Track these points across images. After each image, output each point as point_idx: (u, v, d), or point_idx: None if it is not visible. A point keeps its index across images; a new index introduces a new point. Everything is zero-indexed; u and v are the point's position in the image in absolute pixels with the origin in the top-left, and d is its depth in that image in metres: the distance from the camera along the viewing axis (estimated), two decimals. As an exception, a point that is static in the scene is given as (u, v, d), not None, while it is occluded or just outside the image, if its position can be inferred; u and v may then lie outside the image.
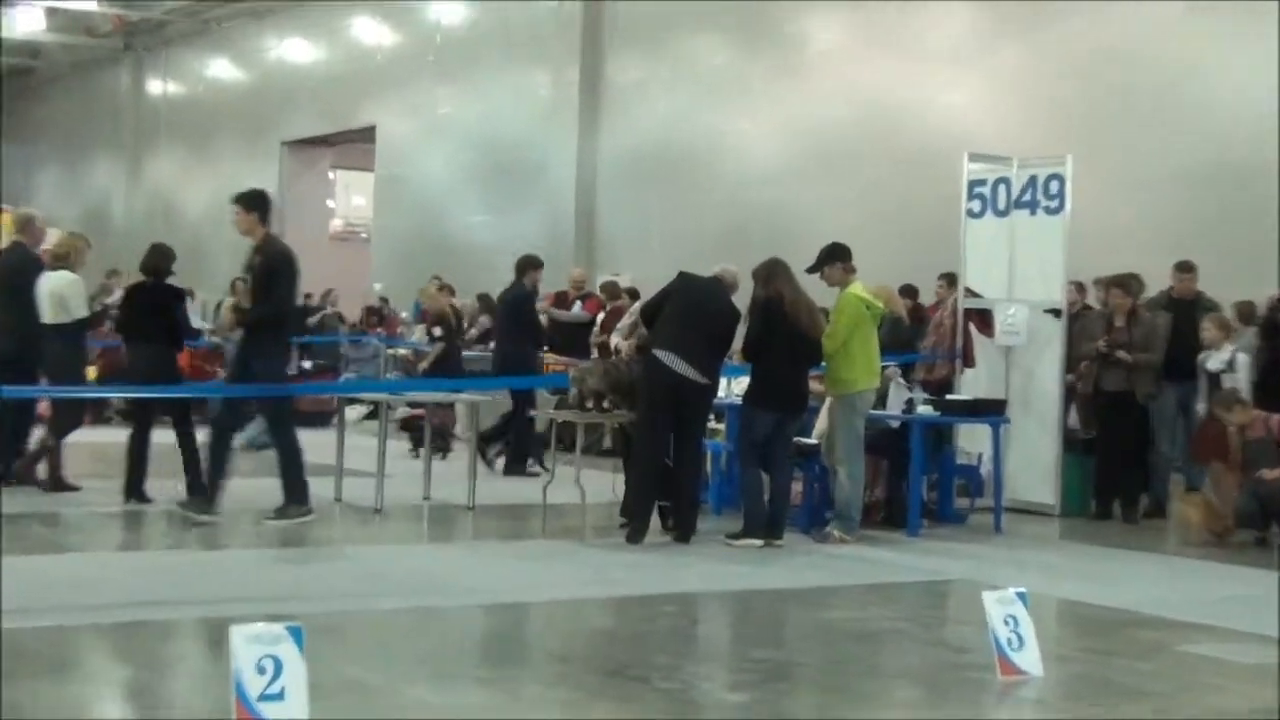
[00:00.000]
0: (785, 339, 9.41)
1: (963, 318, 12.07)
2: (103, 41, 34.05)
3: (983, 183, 12.27)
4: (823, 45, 18.33)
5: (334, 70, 27.83)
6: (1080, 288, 12.78)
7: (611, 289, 16.53)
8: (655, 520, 9.65)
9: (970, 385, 12.03)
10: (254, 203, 9.55)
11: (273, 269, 9.41)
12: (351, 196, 36.39)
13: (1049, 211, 11.90)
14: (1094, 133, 14.82)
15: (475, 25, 23.98)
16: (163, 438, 10.53)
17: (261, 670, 4.42)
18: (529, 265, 13.38)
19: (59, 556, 8.33)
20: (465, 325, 19.52)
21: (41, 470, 10.86)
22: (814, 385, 10.20)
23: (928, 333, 12.50)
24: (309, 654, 4.54)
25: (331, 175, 31.74)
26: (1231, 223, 14.12)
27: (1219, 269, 12.54)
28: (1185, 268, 12.07)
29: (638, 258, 20.19)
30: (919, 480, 10.49)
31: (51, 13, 32.80)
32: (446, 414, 16.34)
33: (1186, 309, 11.81)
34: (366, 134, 26.86)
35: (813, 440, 10.45)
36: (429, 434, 11.63)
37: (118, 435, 11.56)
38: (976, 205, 12.27)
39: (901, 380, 10.95)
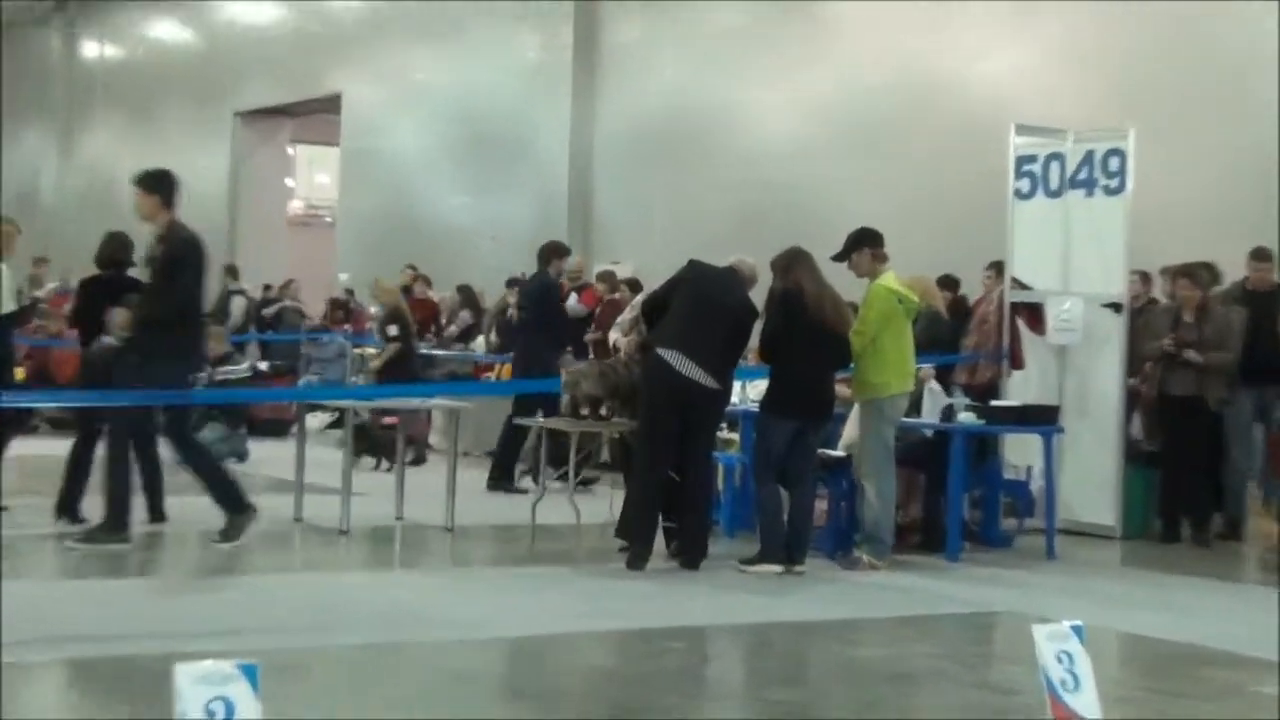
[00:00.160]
0: (807, 336, 9.41)
1: (1009, 313, 12.07)
2: (30, -2, 34.10)
3: (1032, 159, 12.27)
4: (850, 4, 18.34)
5: (294, 31, 27.85)
6: (1144, 278, 12.78)
7: (609, 280, 16.55)
8: (659, 543, 9.66)
9: (1018, 389, 12.03)
10: (156, 184, 9.52)
11: (176, 258, 9.34)
12: (314, 174, 36.43)
13: (1108, 192, 11.90)
14: (1159, 101, 14.81)
15: (455, -20, 23.99)
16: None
17: (211, 714, 4.42)
18: (553, 252, 13.36)
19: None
20: (444, 322, 19.57)
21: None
22: (840, 389, 10.20)
23: (970, 330, 12.51)
24: (265, 695, 4.54)
25: (291, 150, 31.75)
26: (1316, 205, 14.12)
27: (1302, 257, 12.54)
28: (1262, 256, 12.06)
29: (639, 245, 20.19)
30: (959, 498, 10.49)
31: (-29, -35, 32.88)
32: (422, 423, 16.36)
33: (1264, 302, 11.80)
34: (330, 103, 26.85)
35: (839, 452, 10.45)
36: (402, 445, 11.62)
37: (47, 447, 11.55)
38: (1025, 185, 12.27)
39: (936, 384, 10.94)
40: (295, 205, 33.97)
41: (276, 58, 28.20)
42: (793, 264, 9.60)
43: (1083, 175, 12.07)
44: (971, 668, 7.27)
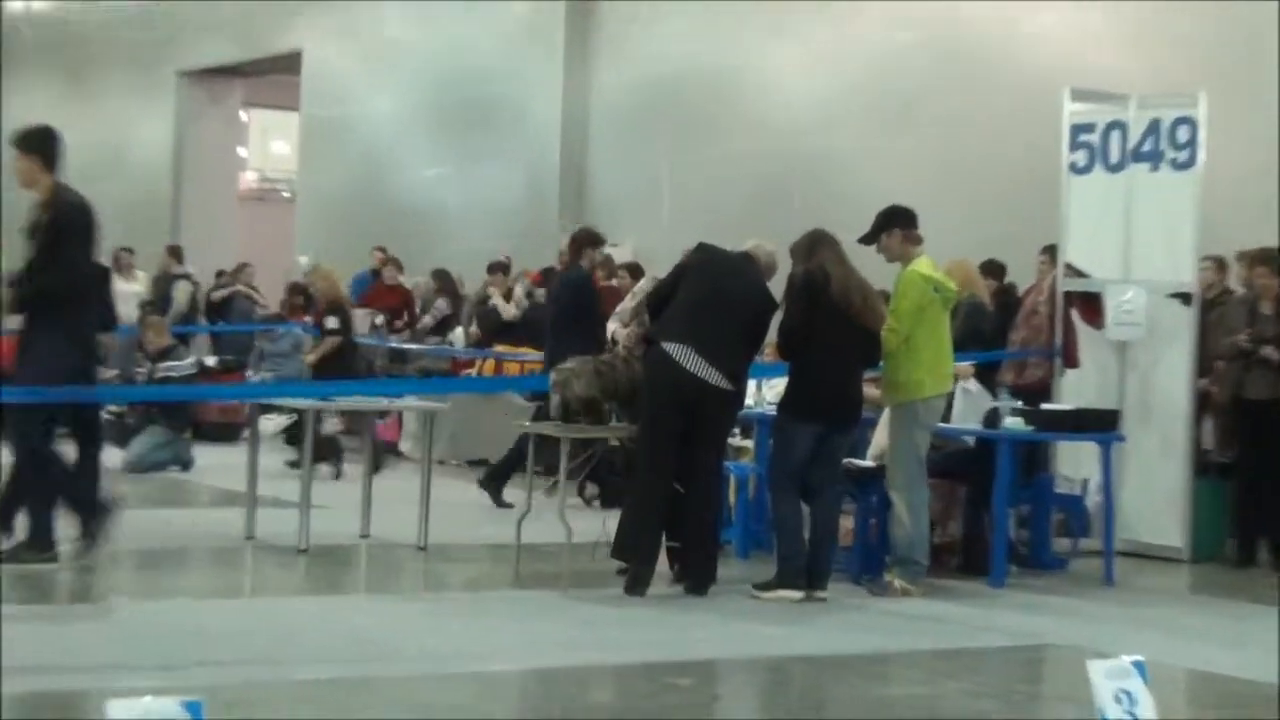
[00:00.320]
0: (832, 329, 9.40)
1: (1063, 303, 12.06)
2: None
3: (1089, 128, 12.26)
4: (882, -51, 18.32)
5: (248, -20, 27.84)
6: (1218, 265, 12.77)
7: (606, 264, 16.52)
8: (662, 565, 9.64)
9: (1073, 391, 12.02)
10: (35, 144, 9.46)
11: (61, 227, 9.27)
12: (269, 143, 36.39)
13: (1176, 166, 11.89)
14: (1234, 62, 14.78)
15: (431, -78, 23.99)
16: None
17: (148, 757, 4.41)
18: (587, 241, 13.39)
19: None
20: (418, 311, 19.57)
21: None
22: (869, 390, 10.19)
23: (1018, 323, 12.50)
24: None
25: (244, 116, 31.73)
26: None
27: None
28: (1353, 240, 12.07)
29: (640, 225, 20.18)
30: (1005, 514, 10.49)
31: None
32: (386, 426, 16.35)
33: (1354, 293, 11.81)
34: (289, 62, 26.84)
35: (867, 462, 10.44)
36: (369, 451, 11.62)
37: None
38: (1081, 157, 12.27)
39: (975, 384, 10.91)
40: (248, 178, 33.95)
41: (227, 10, 28.18)
42: (815, 247, 9.59)
43: (1147, 147, 12.05)
44: (1018, 707, 7.27)
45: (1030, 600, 9.90)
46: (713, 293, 9.47)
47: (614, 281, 16.09)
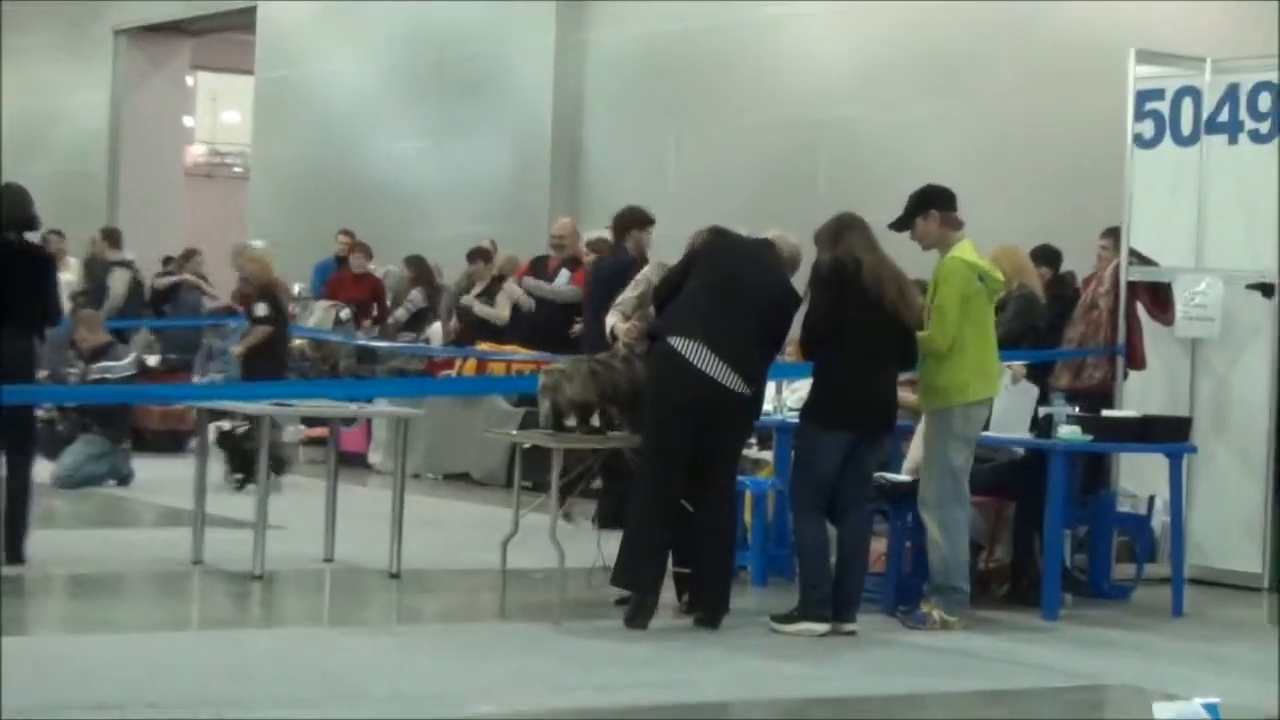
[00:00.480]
0: (863, 323, 9.41)
1: (1127, 295, 12.08)
2: None
3: (1158, 95, 12.26)
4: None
5: (195, -76, 27.87)
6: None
7: (603, 249, 16.53)
8: (669, 594, 9.66)
9: (1138, 396, 12.04)
10: None
11: None
12: (219, 111, 36.46)
13: (1257, 138, 11.90)
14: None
15: None
16: None
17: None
18: (632, 222, 13.33)
19: None
20: (389, 304, 19.60)
21: None
22: (904, 395, 10.20)
23: (1075, 318, 12.51)
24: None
25: (190, 80, 31.77)
26: None
27: None
28: None
29: (643, 205, 20.19)
30: (1059, 536, 10.51)
31: None
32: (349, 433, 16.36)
33: None
34: (241, 18, 26.87)
35: (902, 476, 10.46)
36: (333, 459, 11.65)
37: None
38: (1149, 129, 12.27)
39: (1021, 381, 10.85)
40: (195, 151, 34.04)
41: (172, -42, 28.21)
42: (843, 232, 9.59)
43: (1223, 117, 12.06)
44: (1074, 757, 7.30)
45: (1087, 634, 9.91)
46: (728, 283, 9.48)
47: (614, 271, 16.11)
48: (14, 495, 10.53)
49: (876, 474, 10.02)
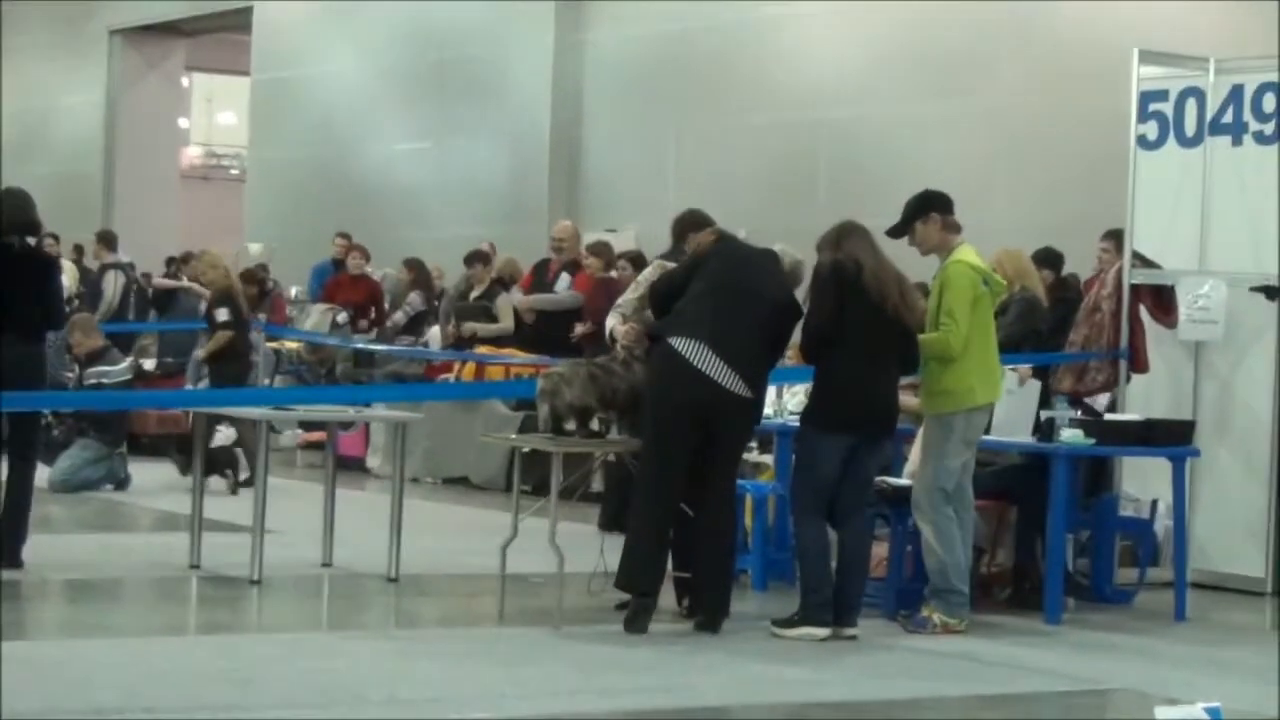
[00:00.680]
0: (864, 327, 9.43)
1: (1130, 298, 12.10)
2: None
3: (1162, 96, 12.29)
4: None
5: (191, -76, 27.89)
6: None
7: (604, 253, 16.56)
8: (669, 599, 9.70)
9: (1141, 399, 12.06)
10: None
11: None
12: (215, 112, 36.45)
13: (1261, 139, 11.92)
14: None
15: None
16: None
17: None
18: (691, 225, 13.07)
19: None
20: (387, 307, 19.61)
21: None
22: (906, 399, 10.23)
23: (1078, 321, 12.53)
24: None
25: (186, 81, 31.77)
26: None
27: None
28: None
29: (642, 207, 20.21)
30: (1062, 540, 10.53)
31: None
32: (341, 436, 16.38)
33: None
34: (238, 18, 26.90)
35: (903, 480, 10.49)
36: (331, 464, 11.67)
37: None
38: (1152, 130, 12.29)
39: (1028, 381, 10.87)
40: (192, 153, 34.03)
41: (167, -42, 28.22)
42: (844, 237, 9.61)
43: (1227, 118, 12.07)
44: (1075, 762, 7.32)
45: (1090, 638, 9.93)
46: (732, 286, 9.50)
47: (613, 272, 16.12)
48: (15, 500, 10.61)
49: (878, 478, 10.05)
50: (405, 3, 23.47)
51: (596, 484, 14.10)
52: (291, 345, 19.59)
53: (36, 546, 10.78)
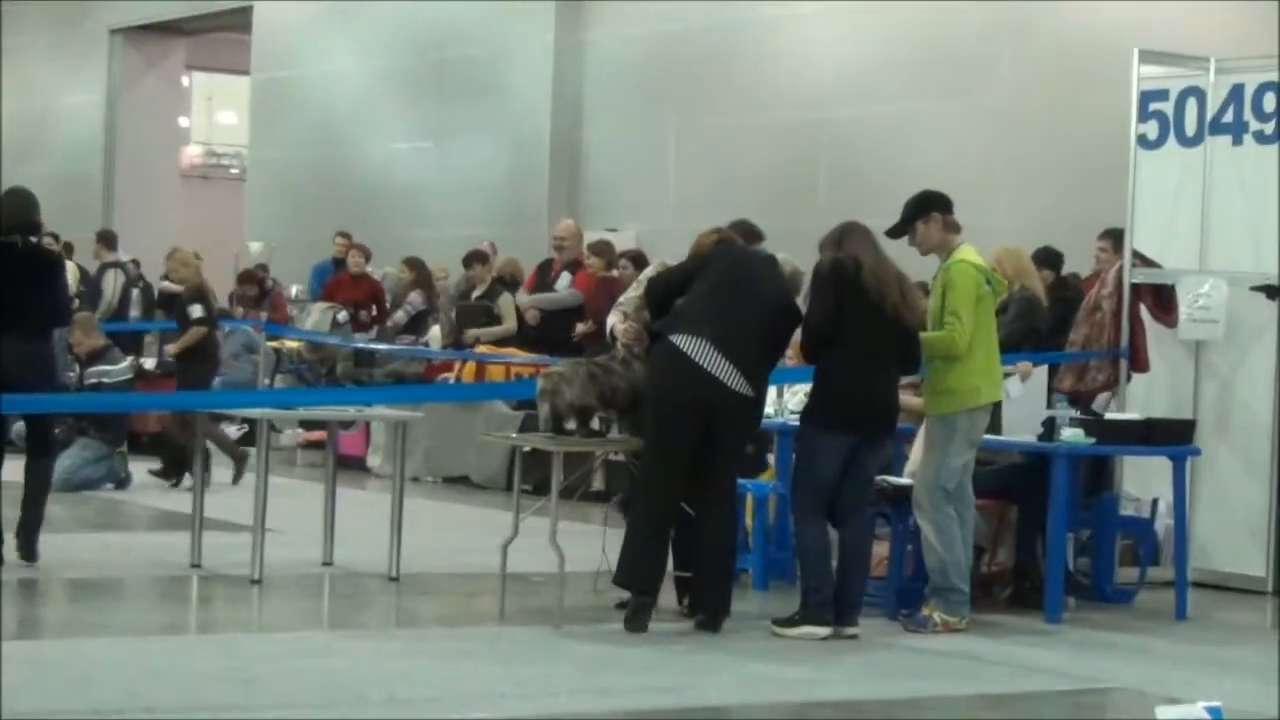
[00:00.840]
0: (864, 326, 9.44)
1: (1130, 298, 12.11)
2: None
3: (1162, 95, 12.29)
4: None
5: (191, -77, 27.89)
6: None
7: (605, 252, 16.59)
8: (670, 598, 9.70)
9: (1141, 398, 12.07)
10: None
11: None
12: (215, 112, 36.44)
13: (1261, 139, 11.92)
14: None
15: None
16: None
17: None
18: (744, 235, 13.04)
19: None
20: (388, 306, 19.62)
21: None
22: (908, 398, 10.24)
23: (1078, 320, 12.54)
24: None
25: (186, 80, 31.75)
26: None
27: None
28: None
29: (643, 208, 20.24)
30: (1062, 540, 10.54)
31: None
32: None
33: None
34: (238, 18, 26.89)
35: (905, 480, 10.49)
36: (332, 464, 11.68)
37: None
38: (1152, 129, 12.30)
39: (1031, 376, 10.87)
40: (192, 153, 34.02)
41: (168, -42, 28.22)
42: (845, 237, 9.62)
43: (1228, 118, 12.08)
44: (1076, 761, 7.33)
45: (1090, 637, 9.94)
46: (735, 286, 9.51)
47: (614, 272, 16.15)
48: (33, 496, 10.72)
49: (878, 477, 10.06)
50: (405, 3, 23.47)
51: (597, 483, 14.13)
52: (292, 344, 19.60)
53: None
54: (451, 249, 19.43)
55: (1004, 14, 17.15)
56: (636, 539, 9.46)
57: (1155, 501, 11.74)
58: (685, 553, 9.69)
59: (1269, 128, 11.91)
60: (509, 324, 17.12)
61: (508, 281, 17.64)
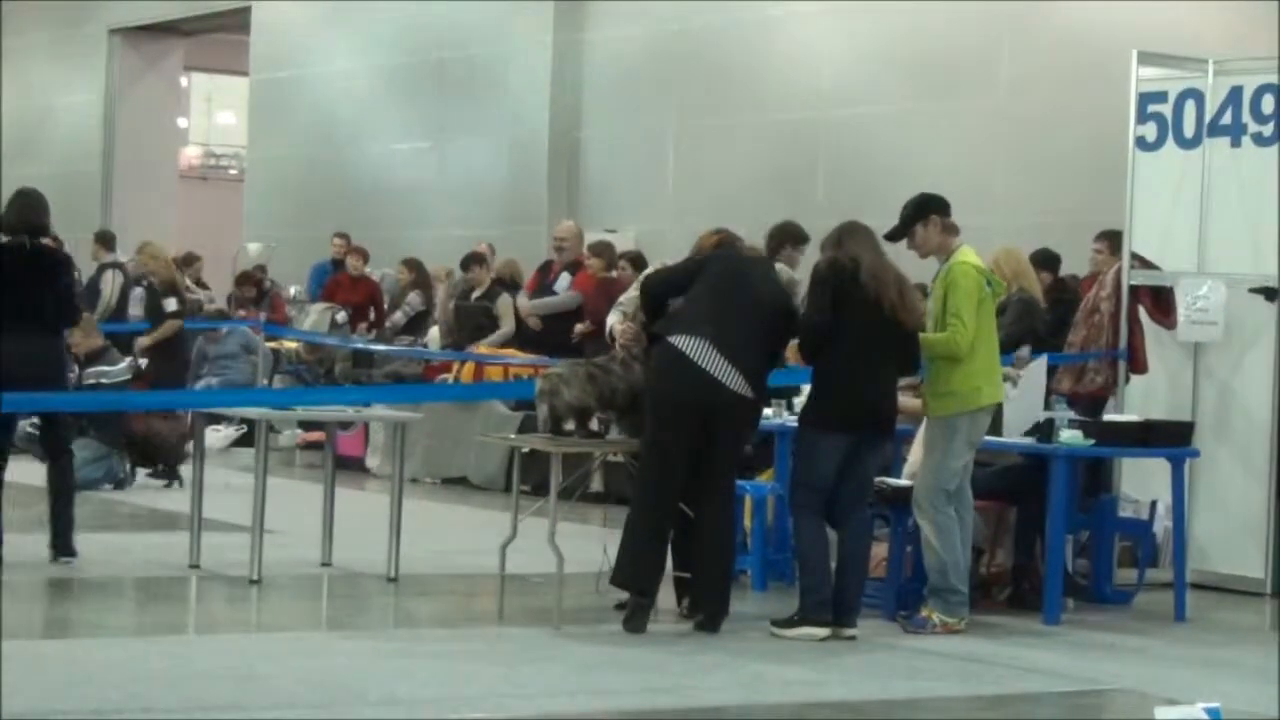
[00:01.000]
0: (863, 327, 9.44)
1: (1129, 299, 12.11)
2: None
3: (1161, 97, 12.30)
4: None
5: (190, -77, 27.89)
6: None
7: (604, 253, 16.58)
8: (669, 599, 9.70)
9: (1140, 400, 12.07)
10: None
11: None
12: (214, 112, 36.46)
13: (1260, 140, 11.92)
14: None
15: None
16: None
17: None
18: (787, 238, 12.80)
19: None
20: (386, 307, 19.61)
21: None
22: (907, 400, 10.24)
23: (1076, 321, 12.55)
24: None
25: (185, 81, 31.75)
26: None
27: None
28: None
29: (643, 209, 20.23)
30: (1061, 541, 10.54)
31: None
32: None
33: None
34: (237, 19, 26.89)
35: (903, 481, 10.50)
36: (331, 463, 11.68)
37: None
38: (1151, 131, 12.30)
39: (1028, 365, 10.87)
40: (191, 153, 34.03)
41: (166, -42, 28.22)
42: (845, 237, 9.62)
43: (1226, 119, 12.08)
44: (1075, 762, 7.33)
45: (1089, 639, 9.95)
46: (735, 288, 9.53)
47: (614, 273, 16.15)
48: (59, 495, 10.88)
49: (877, 478, 10.06)
50: (405, 3, 23.47)
51: (596, 484, 14.13)
52: (291, 345, 19.60)
53: (37, 545, 10.83)
54: (451, 249, 19.43)
55: (1003, 15, 17.15)
56: (634, 539, 9.47)
57: (1154, 503, 11.75)
58: (685, 554, 9.69)
59: (1267, 129, 11.91)
60: (507, 326, 17.11)
61: (507, 283, 17.63)
